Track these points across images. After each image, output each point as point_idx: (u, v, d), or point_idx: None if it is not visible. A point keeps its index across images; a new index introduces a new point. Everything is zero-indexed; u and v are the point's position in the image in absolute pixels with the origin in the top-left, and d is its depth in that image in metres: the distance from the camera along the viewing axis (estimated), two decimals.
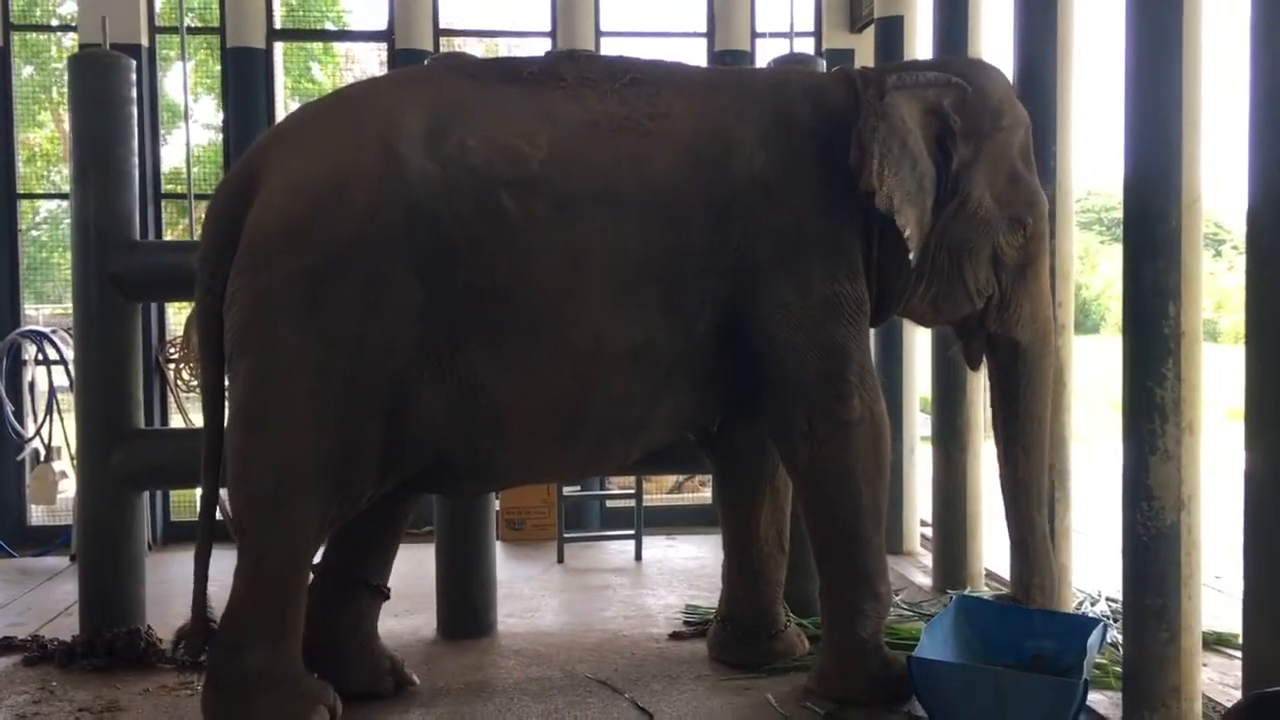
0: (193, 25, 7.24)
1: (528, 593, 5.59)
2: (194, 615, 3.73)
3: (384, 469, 3.61)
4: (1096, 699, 3.76)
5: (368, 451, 3.55)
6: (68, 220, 7.36)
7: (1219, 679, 4.02)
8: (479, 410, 3.62)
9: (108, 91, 4.58)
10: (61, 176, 7.77)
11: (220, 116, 7.37)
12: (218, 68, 7.33)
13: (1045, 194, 4.12)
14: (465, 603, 4.82)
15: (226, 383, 3.62)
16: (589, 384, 3.70)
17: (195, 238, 6.91)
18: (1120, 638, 3.84)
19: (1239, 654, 3.48)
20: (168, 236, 7.39)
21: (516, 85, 3.72)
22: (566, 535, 6.38)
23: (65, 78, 7.59)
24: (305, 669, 3.64)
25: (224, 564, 3.77)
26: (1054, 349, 4.20)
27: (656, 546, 6.60)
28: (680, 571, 6.04)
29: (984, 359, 4.26)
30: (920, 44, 6.34)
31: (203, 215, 6.90)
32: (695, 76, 4.05)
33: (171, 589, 5.62)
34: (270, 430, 3.50)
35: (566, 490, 6.46)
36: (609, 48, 7.24)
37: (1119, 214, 3.71)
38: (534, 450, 3.80)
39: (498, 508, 5.86)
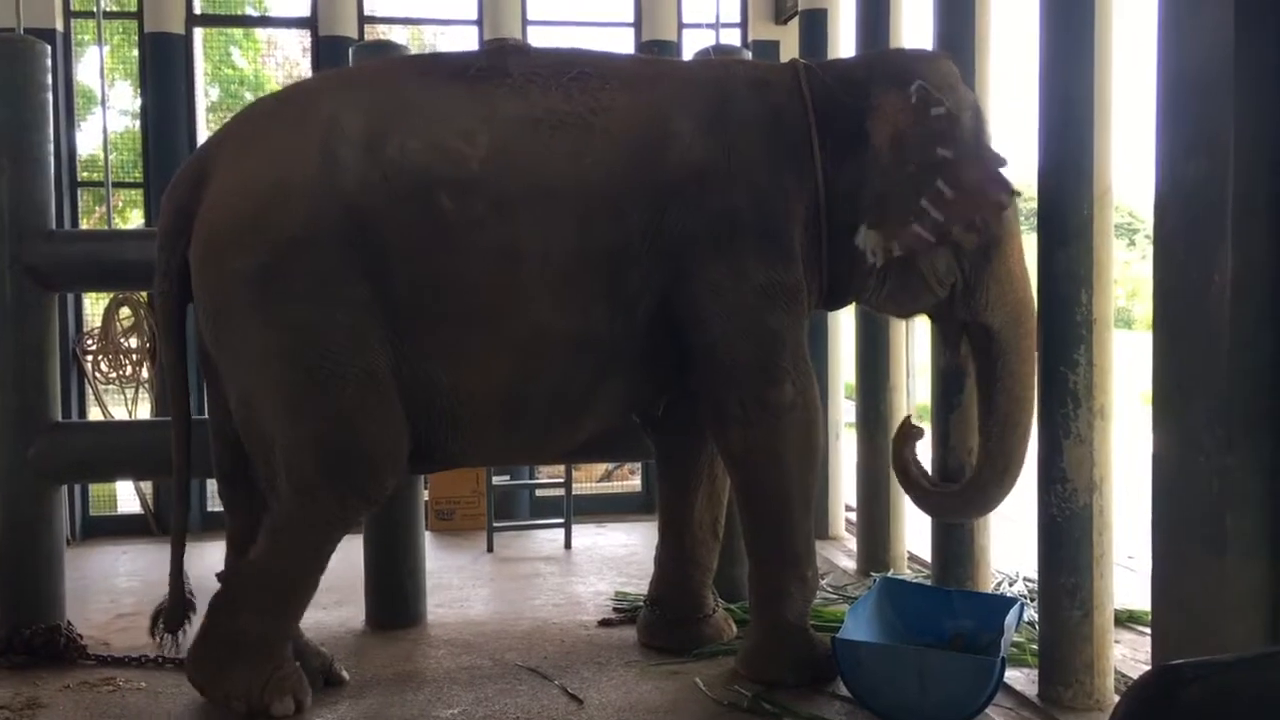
0: (109, 10, 7.07)
1: (457, 582, 5.58)
2: (172, 591, 3.92)
3: (396, 457, 3.72)
4: (1014, 675, 3.87)
5: (371, 439, 3.63)
6: None
7: (1131, 655, 4.15)
8: (432, 399, 3.71)
9: (22, 78, 4.46)
10: None
11: (137, 102, 7.22)
12: (134, 53, 7.18)
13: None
14: (394, 593, 4.81)
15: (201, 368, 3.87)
16: (530, 372, 3.76)
17: (113, 226, 6.80)
18: (1036, 616, 3.95)
19: (1149, 631, 3.59)
20: (84, 225, 7.23)
21: (461, 83, 3.77)
22: (496, 524, 6.37)
23: None
24: (288, 654, 3.76)
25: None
26: (1032, 331, 3.96)
27: (586, 535, 6.63)
28: (610, 559, 6.07)
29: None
30: (844, 36, 6.43)
31: (120, 204, 6.79)
32: (641, 70, 4.08)
33: (91, 584, 5.54)
34: (275, 418, 3.63)
35: (496, 480, 6.46)
36: (535, 37, 7.22)
37: (1036, 201, 3.78)
38: (482, 436, 3.87)
39: (426, 498, 5.85)
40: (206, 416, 3.99)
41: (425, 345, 3.65)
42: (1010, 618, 3.84)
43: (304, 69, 8.04)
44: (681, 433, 4.36)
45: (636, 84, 3.90)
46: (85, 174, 7.18)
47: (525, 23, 7.19)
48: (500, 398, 3.78)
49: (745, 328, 3.82)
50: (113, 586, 5.57)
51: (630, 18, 7.39)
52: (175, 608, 3.93)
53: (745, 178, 3.82)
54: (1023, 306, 4.00)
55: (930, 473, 4.30)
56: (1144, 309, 17.97)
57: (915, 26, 5.58)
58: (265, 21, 8.17)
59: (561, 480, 6.49)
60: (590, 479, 7.71)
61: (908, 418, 4.36)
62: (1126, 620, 4.46)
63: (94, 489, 6.90)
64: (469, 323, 3.67)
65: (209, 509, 6.66)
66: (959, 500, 4.16)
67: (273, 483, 3.72)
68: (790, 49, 7.01)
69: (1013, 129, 5.22)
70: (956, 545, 4.52)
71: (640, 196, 3.75)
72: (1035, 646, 3.89)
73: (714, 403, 3.92)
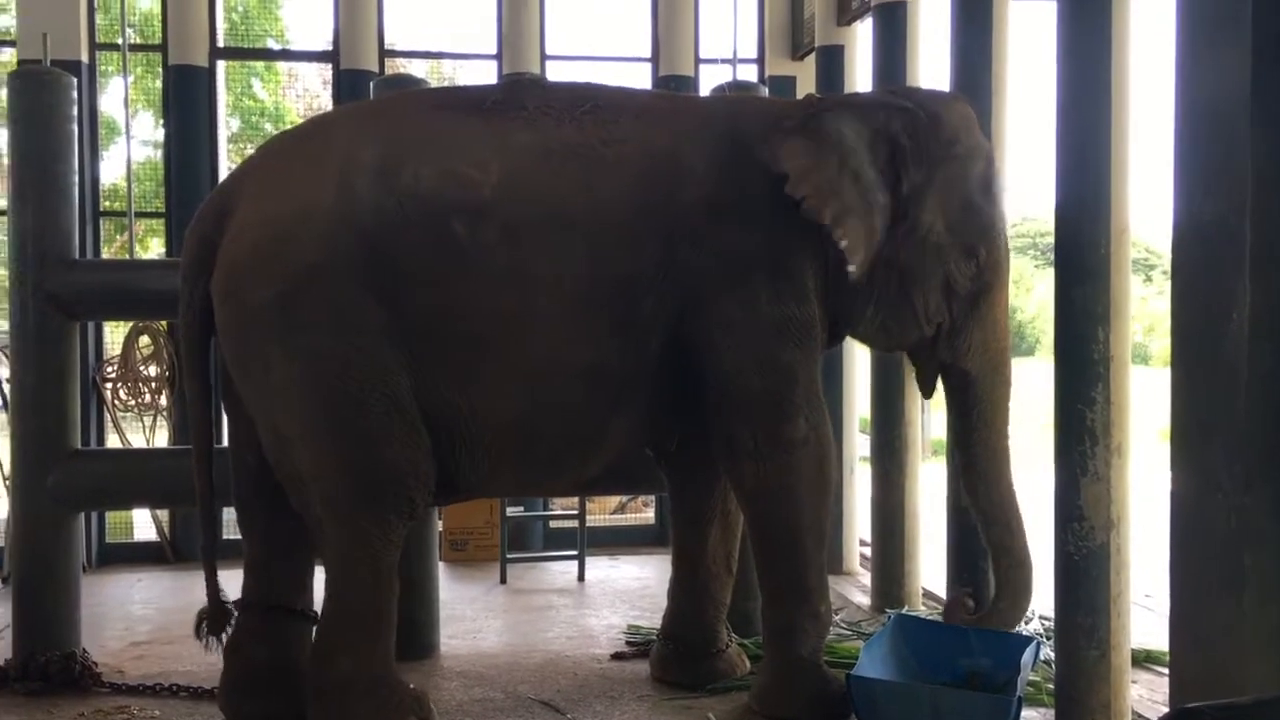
0: (133, 43, 7.17)
1: (470, 614, 5.58)
2: (210, 600, 3.93)
3: (423, 476, 3.72)
4: (1030, 715, 3.84)
5: (397, 458, 3.65)
6: (1, 236, 7.26)
7: (1148, 695, 4.12)
8: (447, 426, 3.73)
9: (49, 109, 4.53)
10: None
11: (159, 133, 7.30)
12: (156, 83, 7.28)
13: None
14: (407, 623, 4.73)
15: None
16: (541, 402, 3.78)
17: (135, 256, 6.86)
18: (1053, 655, 3.92)
19: (1167, 671, 3.56)
20: (104, 253, 7.30)
21: (477, 115, 3.82)
22: (509, 556, 6.37)
23: (3, 93, 7.51)
24: (398, 678, 3.77)
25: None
26: (1009, 380, 4.14)
27: (599, 567, 6.61)
28: (623, 592, 6.06)
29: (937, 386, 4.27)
30: (860, 72, 6.47)
31: (140, 232, 6.86)
32: (655, 103, 4.12)
33: (107, 611, 5.55)
34: (304, 445, 3.66)
35: (510, 511, 6.46)
36: (554, 71, 7.28)
37: (1053, 237, 3.80)
38: (498, 464, 3.87)
39: (440, 528, 5.85)
40: (226, 445, 4.03)
41: (441, 371, 3.68)
42: (1026, 656, 3.81)
43: (324, 100, 8.12)
44: (695, 466, 4.36)
45: (649, 118, 3.94)
46: (106, 203, 7.25)
47: (544, 57, 7.25)
48: (513, 426, 3.79)
49: (758, 363, 3.83)
50: (128, 614, 5.59)
51: (648, 53, 7.44)
52: (215, 615, 3.92)
53: (758, 213, 3.84)
54: (1003, 356, 4.11)
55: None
56: (1161, 344, 17.90)
57: (931, 62, 5.63)
58: (288, 55, 8.26)
59: (575, 512, 6.49)
60: (604, 511, 7.70)
61: (966, 596, 4.33)
62: (1144, 660, 4.42)
63: (110, 516, 6.93)
64: (481, 348, 3.70)
65: (225, 537, 6.67)
66: (1006, 596, 4.08)
67: (312, 520, 3.73)
68: (807, 85, 7.06)
69: (1030, 167, 5.23)
70: (972, 583, 4.49)
71: (652, 229, 3.78)
72: (1051, 686, 3.87)
73: (727, 437, 3.93)
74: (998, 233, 4.04)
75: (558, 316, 3.72)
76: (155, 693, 4.26)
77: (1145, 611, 5.00)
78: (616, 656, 4.79)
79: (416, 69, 7.55)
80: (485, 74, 7.45)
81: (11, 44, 7.12)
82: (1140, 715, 3.75)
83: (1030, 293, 22.86)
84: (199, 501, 3.93)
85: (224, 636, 3.94)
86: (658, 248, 3.78)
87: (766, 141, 3.85)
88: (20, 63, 6.48)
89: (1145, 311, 19.06)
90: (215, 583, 3.92)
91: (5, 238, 4.73)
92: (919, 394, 5.47)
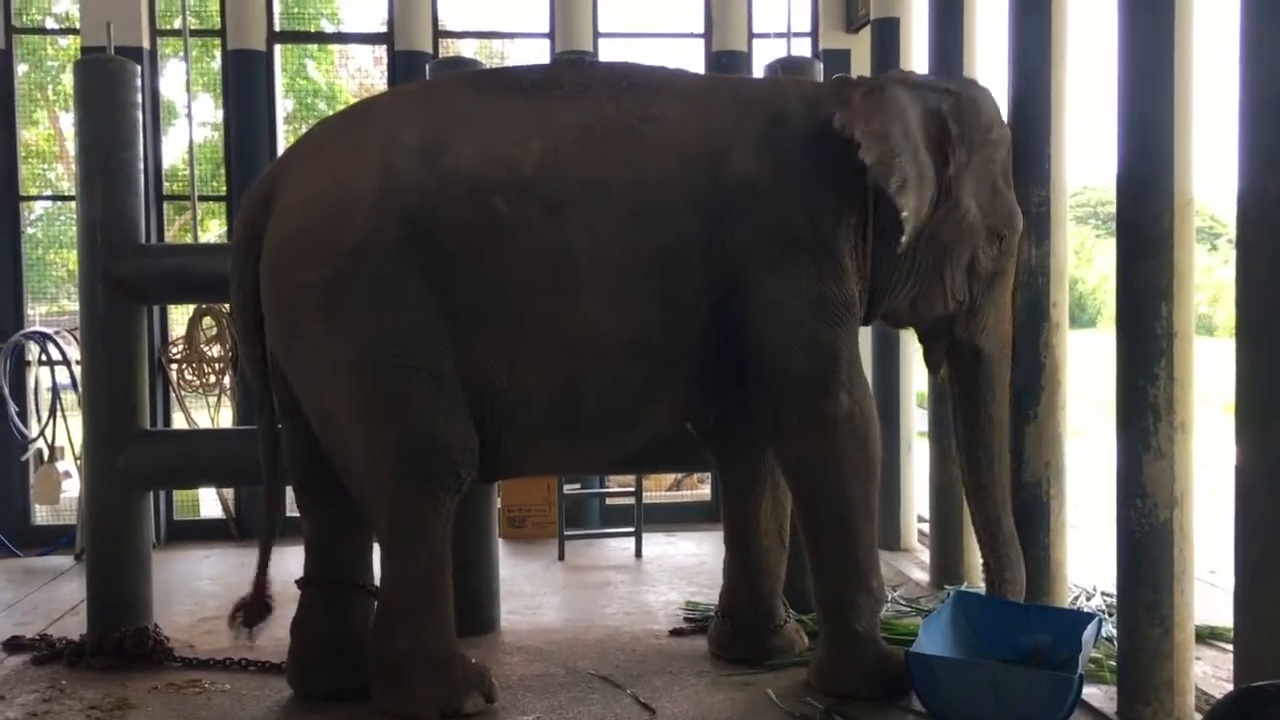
0: (193, 28, 7.26)
1: (529, 590, 5.64)
2: (255, 588, 4.02)
3: (469, 451, 3.78)
4: (1091, 692, 3.82)
5: (444, 433, 3.70)
6: (63, 219, 7.42)
7: (1212, 672, 4.08)
8: (491, 401, 3.78)
9: (114, 97, 4.61)
10: (56, 175, 7.80)
11: (216, 115, 7.40)
12: (213, 65, 7.37)
13: (1021, 209, 4.21)
14: (467, 600, 4.82)
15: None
16: (582, 377, 3.82)
17: (197, 240, 6.99)
18: (1115, 632, 3.90)
19: (1231, 648, 3.53)
20: (167, 236, 7.42)
21: (515, 95, 3.86)
22: (567, 533, 6.43)
23: (63, 77, 7.66)
24: (459, 653, 3.85)
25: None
26: (1010, 361, 4.30)
27: (656, 543, 6.65)
28: (680, 568, 6.09)
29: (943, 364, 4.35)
30: (916, 46, 6.39)
31: (202, 216, 6.97)
32: (693, 83, 4.13)
33: (175, 587, 5.69)
34: (351, 424, 3.73)
35: (567, 488, 6.51)
36: (607, 49, 7.28)
37: (1114, 208, 3.75)
38: (536, 441, 3.93)
39: (499, 505, 5.92)
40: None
41: (483, 346, 3.73)
42: (1088, 633, 3.79)
43: (376, 79, 8.20)
44: (740, 443, 4.38)
45: (687, 97, 3.97)
46: (167, 185, 7.35)
47: (596, 35, 7.25)
48: (555, 400, 3.84)
49: (801, 342, 3.85)
50: (196, 590, 5.72)
51: (701, 28, 7.41)
52: (256, 603, 4.00)
53: (797, 193, 3.86)
54: (1008, 338, 4.30)
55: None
56: (1225, 315, 17.57)
57: (989, 34, 5.54)
58: (344, 38, 8.33)
59: (632, 489, 6.52)
60: (660, 487, 7.73)
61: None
62: (1208, 637, 4.37)
63: (177, 494, 7.09)
64: (523, 324, 3.75)
65: (288, 514, 6.80)
66: (1010, 568, 4.21)
67: (362, 499, 3.80)
68: (861, 59, 7.00)
69: (1089, 136, 5.16)
70: (1032, 559, 4.47)
71: (692, 207, 3.80)
72: (1114, 663, 3.84)
73: (771, 415, 3.95)
74: (1018, 218, 4.17)
75: (598, 292, 3.76)
76: (226, 667, 4.36)
77: (1209, 588, 4.95)
78: (675, 633, 4.82)
79: (469, 48, 7.58)
80: (538, 53, 7.46)
81: (74, 31, 7.25)
82: (1204, 692, 3.71)
83: (1091, 263, 22.53)
84: (264, 480, 4.00)
85: (256, 629, 4.02)
86: (698, 225, 3.80)
87: (832, 108, 3.87)
88: (84, 50, 6.60)
89: (1210, 281, 18.71)
90: (265, 572, 4.00)
91: (74, 224, 4.81)
92: None
